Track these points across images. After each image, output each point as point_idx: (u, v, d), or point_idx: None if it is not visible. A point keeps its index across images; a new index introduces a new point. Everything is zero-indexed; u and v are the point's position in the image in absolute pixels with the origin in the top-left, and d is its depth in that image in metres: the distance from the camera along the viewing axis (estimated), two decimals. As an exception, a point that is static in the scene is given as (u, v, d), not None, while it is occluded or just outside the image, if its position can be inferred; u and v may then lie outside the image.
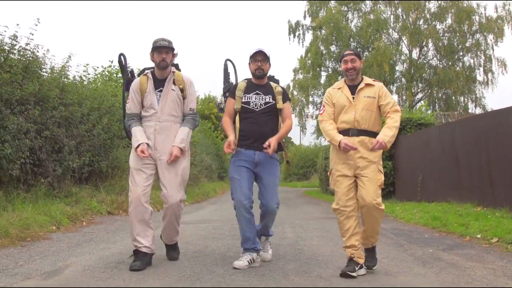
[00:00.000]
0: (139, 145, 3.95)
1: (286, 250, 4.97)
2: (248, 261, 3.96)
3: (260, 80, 4.27)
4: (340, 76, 21.59)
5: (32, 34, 7.12)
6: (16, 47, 7.15)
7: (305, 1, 26.22)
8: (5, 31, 7.02)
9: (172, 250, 4.36)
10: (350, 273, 3.66)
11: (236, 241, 5.46)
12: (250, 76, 4.35)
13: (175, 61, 4.30)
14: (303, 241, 5.69)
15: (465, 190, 8.92)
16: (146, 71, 4.23)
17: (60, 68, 8.49)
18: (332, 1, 25.79)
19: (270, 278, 3.61)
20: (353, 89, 4.02)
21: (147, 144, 3.99)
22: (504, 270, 4.05)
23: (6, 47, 6.91)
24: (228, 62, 4.71)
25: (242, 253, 4.10)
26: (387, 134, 3.84)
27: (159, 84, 4.12)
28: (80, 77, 9.99)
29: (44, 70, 7.88)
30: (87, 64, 11.06)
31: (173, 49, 4.14)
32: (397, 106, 4.03)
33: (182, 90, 4.14)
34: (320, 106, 4.21)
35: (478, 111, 23.69)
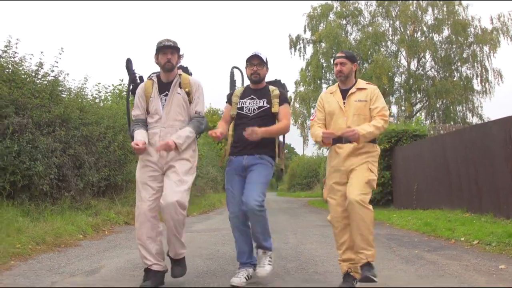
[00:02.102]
0: (133, 142, 3.74)
1: (288, 252, 5.65)
2: (245, 277, 3.80)
3: (257, 84, 4.11)
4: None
5: (57, 62, 7.91)
6: (41, 73, 7.92)
7: (305, 15, 26.99)
8: (30, 58, 7.80)
9: (176, 265, 3.92)
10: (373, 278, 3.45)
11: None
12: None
13: (184, 63, 4.13)
14: (303, 245, 6.37)
15: (455, 198, 9.58)
16: (151, 75, 4.03)
17: (78, 90, 9.29)
18: (331, 15, 26.56)
19: (274, 274, 4.28)
20: (344, 93, 3.86)
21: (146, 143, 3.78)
22: (475, 266, 4.71)
23: (32, 74, 7.67)
24: (235, 70, 4.49)
25: (238, 268, 3.94)
26: (365, 128, 3.62)
27: (164, 87, 3.89)
28: (93, 96, 10.72)
29: (64, 93, 8.64)
30: (99, 83, 11.82)
31: (178, 50, 3.91)
32: (385, 112, 3.77)
33: (188, 94, 3.91)
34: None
35: (475, 120, 24.32)
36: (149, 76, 4.06)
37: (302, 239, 7.08)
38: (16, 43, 7.42)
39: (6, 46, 7.38)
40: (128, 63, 4.09)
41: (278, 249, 5.78)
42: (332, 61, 3.86)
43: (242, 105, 4.05)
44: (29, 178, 6.59)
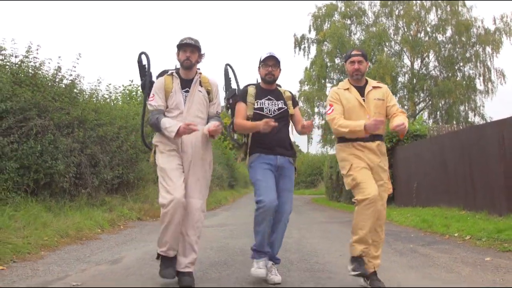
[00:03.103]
0: (179, 126, 3.63)
1: (291, 245, 6.10)
2: (265, 267, 3.86)
3: (270, 85, 4.16)
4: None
5: (74, 67, 8.37)
6: (59, 76, 8.39)
7: (310, 15, 27.37)
8: (49, 63, 8.26)
9: (186, 275, 3.75)
10: (363, 273, 3.62)
11: (250, 239, 6.58)
12: (249, 81, 4.33)
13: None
14: (306, 239, 6.82)
15: (453, 196, 9.99)
16: (171, 71, 4.01)
17: (92, 92, 9.79)
18: (336, 15, 26.93)
19: (279, 265, 4.73)
20: (360, 90, 3.89)
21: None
22: (463, 258, 5.14)
23: (52, 78, 8.14)
24: (228, 67, 4.43)
25: (256, 258, 3.88)
26: (405, 120, 3.69)
27: (185, 84, 3.91)
28: (104, 97, 11.17)
29: (80, 95, 9.11)
30: (110, 84, 12.30)
31: (199, 49, 3.94)
32: (402, 109, 3.95)
33: (208, 93, 3.97)
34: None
35: (477, 120, 24.69)
36: (163, 72, 4.05)
37: (305, 234, 7.53)
38: (37, 49, 7.89)
39: (27, 52, 7.84)
40: (141, 58, 4.09)
41: (282, 243, 6.22)
42: (344, 58, 4.14)
43: (261, 105, 4.05)
44: (50, 176, 7.04)
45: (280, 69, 4.15)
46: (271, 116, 3.99)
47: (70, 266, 4.44)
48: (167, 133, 3.69)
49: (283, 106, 4.09)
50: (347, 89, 3.92)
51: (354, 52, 3.94)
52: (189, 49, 3.88)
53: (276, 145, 3.98)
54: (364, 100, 3.83)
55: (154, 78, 4.11)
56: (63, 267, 4.40)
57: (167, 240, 3.71)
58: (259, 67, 4.16)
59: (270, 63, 4.07)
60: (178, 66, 4.03)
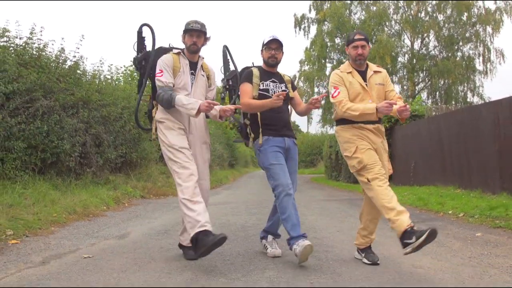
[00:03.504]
0: (200, 104, 3.61)
1: (291, 222, 6.33)
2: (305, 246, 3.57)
3: (272, 68, 4.19)
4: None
5: (78, 49, 8.51)
6: (62, 57, 8.53)
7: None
8: (52, 44, 8.39)
9: (191, 249, 3.73)
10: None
11: (251, 216, 6.85)
12: (245, 63, 4.52)
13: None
14: (305, 216, 7.05)
15: (449, 175, 10.22)
16: (177, 50, 4.02)
17: (94, 73, 9.94)
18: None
19: (278, 239, 4.95)
20: (362, 74, 3.87)
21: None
22: (455, 234, 5.37)
23: (56, 59, 8.29)
24: (225, 49, 4.48)
25: (295, 242, 3.66)
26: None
27: (191, 66, 3.97)
28: (106, 77, 11.30)
29: (83, 76, 9.26)
30: (111, 65, 12.44)
31: (205, 33, 3.97)
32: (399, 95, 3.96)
33: (208, 78, 4.07)
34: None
35: (476, 100, 24.82)
36: (162, 49, 4.03)
37: (304, 211, 7.77)
38: (41, 31, 8.01)
39: (31, 33, 7.96)
40: (142, 29, 4.03)
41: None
42: (346, 42, 3.96)
43: (267, 87, 4.07)
44: (56, 155, 7.25)
45: (283, 52, 4.17)
46: None
47: (80, 241, 4.67)
48: (184, 110, 3.65)
49: (286, 89, 4.14)
50: (350, 72, 3.87)
51: (357, 37, 3.86)
52: (196, 34, 3.89)
53: (283, 126, 4.05)
54: (366, 85, 3.82)
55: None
56: (74, 241, 4.63)
57: (199, 213, 3.52)
58: (262, 50, 4.17)
59: (273, 46, 4.09)
60: (177, 46, 4.09)
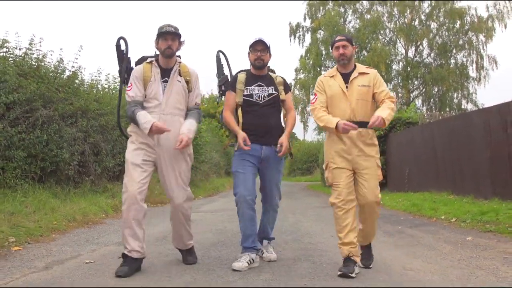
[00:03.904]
0: (153, 123, 3.56)
1: (286, 228, 6.47)
2: (247, 262, 3.76)
3: (260, 70, 4.09)
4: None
5: (76, 59, 8.67)
6: (61, 68, 8.67)
7: (305, 0, 27.50)
8: (51, 55, 8.53)
9: (189, 255, 4.09)
10: (350, 274, 3.48)
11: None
12: (243, 67, 4.26)
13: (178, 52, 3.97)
14: (301, 222, 7.19)
15: (442, 181, 10.38)
16: (150, 59, 3.89)
17: (92, 82, 10.09)
18: (330, 3, 27.05)
19: (274, 244, 5.07)
20: (346, 77, 3.81)
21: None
22: (446, 238, 5.52)
23: (55, 69, 8.43)
24: (220, 54, 4.41)
25: (241, 252, 3.91)
26: (386, 112, 3.60)
27: (163, 73, 3.81)
28: (103, 86, 11.41)
29: (81, 86, 9.40)
30: (108, 74, 12.51)
31: (179, 36, 3.84)
32: (392, 94, 3.85)
33: (188, 82, 3.87)
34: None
35: (470, 107, 25.07)
36: (141, 59, 3.97)
37: (300, 218, 7.91)
38: (40, 42, 8.16)
39: (30, 44, 8.10)
40: (120, 43, 3.89)
41: (278, 226, 6.58)
42: (330, 45, 4.04)
43: (251, 92, 4.00)
44: (56, 164, 7.37)
45: (270, 54, 4.09)
46: (261, 102, 3.99)
47: (81, 247, 4.80)
48: (142, 129, 3.61)
49: (274, 92, 4.04)
50: (333, 76, 3.87)
51: (338, 38, 3.88)
52: (170, 37, 3.77)
53: (264, 133, 3.95)
54: (347, 87, 3.77)
55: (133, 65, 4.01)
56: (75, 247, 4.75)
57: (125, 237, 3.65)
58: (248, 53, 4.11)
59: (259, 48, 4.02)
60: (158, 53, 3.93)
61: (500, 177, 7.92)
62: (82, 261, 4.07)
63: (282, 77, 4.19)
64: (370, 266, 3.86)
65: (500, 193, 7.76)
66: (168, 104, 3.75)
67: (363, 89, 3.77)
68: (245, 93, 4.01)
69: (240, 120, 4.01)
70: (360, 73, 3.82)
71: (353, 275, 3.49)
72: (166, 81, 3.79)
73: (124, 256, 3.63)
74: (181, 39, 3.87)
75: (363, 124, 3.67)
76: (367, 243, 3.95)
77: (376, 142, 3.86)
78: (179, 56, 3.97)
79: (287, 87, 4.17)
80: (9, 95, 6.80)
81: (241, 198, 3.81)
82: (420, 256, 4.39)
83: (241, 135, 3.84)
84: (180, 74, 3.86)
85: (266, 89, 4.04)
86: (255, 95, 4.00)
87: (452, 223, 6.88)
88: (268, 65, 4.20)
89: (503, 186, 7.77)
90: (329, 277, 3.53)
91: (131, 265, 3.58)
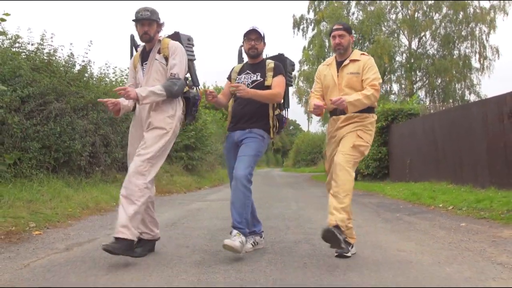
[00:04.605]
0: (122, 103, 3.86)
1: (290, 215, 6.78)
2: (251, 244, 4.06)
3: (254, 59, 4.16)
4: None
5: (87, 54, 8.97)
6: (72, 62, 8.98)
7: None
8: (62, 49, 8.85)
9: (115, 243, 3.50)
10: (345, 254, 3.69)
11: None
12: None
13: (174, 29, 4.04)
14: (303, 210, 7.50)
15: (442, 171, 10.66)
16: (141, 45, 3.98)
17: (101, 76, 10.41)
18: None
19: (277, 229, 5.39)
20: (339, 65, 3.89)
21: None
22: (441, 224, 5.80)
23: (66, 64, 8.74)
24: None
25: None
26: (352, 96, 3.67)
27: (145, 57, 3.89)
28: (111, 80, 11.73)
29: (91, 79, 9.72)
30: (116, 67, 12.90)
31: (157, 21, 3.81)
32: (376, 82, 3.77)
33: (166, 58, 3.80)
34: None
35: (473, 98, 25.21)
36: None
37: (303, 206, 8.22)
38: (51, 37, 8.48)
39: (41, 39, 8.41)
40: (132, 40, 4.06)
41: (281, 213, 6.93)
42: (329, 34, 4.13)
43: (238, 80, 4.10)
44: (68, 155, 7.72)
45: (264, 43, 4.14)
46: None
47: (96, 232, 5.12)
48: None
49: (258, 79, 4.04)
50: (329, 64, 3.96)
51: (335, 27, 3.93)
52: (147, 23, 3.77)
53: (240, 119, 4.04)
54: (338, 75, 3.83)
55: None
56: (90, 232, 5.08)
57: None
58: (243, 42, 4.18)
59: (253, 37, 4.07)
60: None
61: (496, 167, 8.19)
62: (99, 243, 4.38)
63: (276, 63, 4.11)
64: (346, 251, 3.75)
65: (497, 182, 8.04)
66: (148, 84, 3.75)
67: (351, 77, 3.81)
68: (236, 81, 4.10)
69: (229, 109, 4.19)
70: (352, 60, 3.85)
71: (349, 254, 3.72)
72: (145, 64, 3.87)
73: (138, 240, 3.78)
74: (160, 22, 3.85)
75: (343, 113, 3.80)
76: (333, 224, 3.66)
77: (365, 119, 3.85)
78: (178, 34, 4.01)
79: (277, 72, 4.05)
80: (24, 89, 7.12)
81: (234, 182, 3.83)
82: (414, 240, 4.68)
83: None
84: (159, 52, 3.83)
85: (252, 76, 4.08)
86: (240, 83, 4.02)
87: (449, 210, 7.16)
88: (281, 53, 4.30)
89: (499, 175, 8.05)
90: (326, 257, 3.84)
91: (144, 246, 3.87)
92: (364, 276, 3.21)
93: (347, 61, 3.85)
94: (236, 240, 3.61)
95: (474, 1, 25.04)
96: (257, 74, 4.06)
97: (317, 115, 3.84)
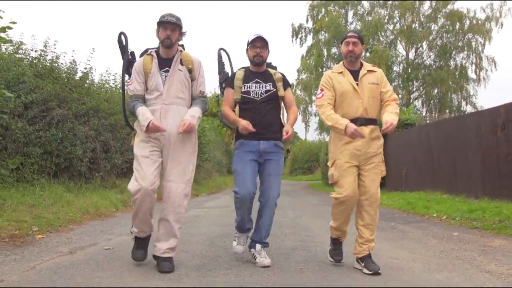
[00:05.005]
0: (150, 121, 3.49)
1: (287, 223, 6.91)
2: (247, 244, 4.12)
3: (259, 67, 4.07)
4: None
5: (89, 61, 9.13)
6: (74, 69, 9.13)
7: (307, 1, 27.88)
8: (64, 56, 8.99)
9: (165, 261, 3.64)
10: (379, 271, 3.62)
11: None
12: (245, 64, 4.21)
13: (181, 41, 3.91)
14: (300, 218, 7.64)
15: (438, 181, 10.81)
16: (150, 50, 3.83)
17: (102, 82, 10.56)
18: (331, 3, 27.38)
19: (274, 236, 5.51)
20: (354, 74, 3.81)
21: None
22: (434, 233, 5.95)
23: (68, 70, 8.89)
24: (222, 52, 4.38)
25: (237, 235, 4.20)
26: (394, 117, 3.60)
27: (164, 63, 3.74)
28: (111, 86, 11.83)
29: (92, 86, 9.86)
30: (116, 74, 12.96)
31: (180, 27, 3.76)
32: (395, 95, 3.85)
33: (190, 71, 3.77)
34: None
35: (469, 108, 25.45)
36: (145, 52, 3.90)
37: (300, 214, 8.36)
38: (54, 44, 8.62)
39: (44, 46, 8.56)
40: (121, 38, 3.93)
41: (278, 221, 7.04)
42: (341, 40, 3.94)
43: (248, 89, 3.98)
44: (69, 160, 7.83)
45: (268, 51, 4.06)
46: (258, 99, 3.95)
47: (98, 236, 5.25)
48: (140, 126, 3.60)
49: (272, 89, 4.00)
50: (341, 72, 3.85)
51: (349, 34, 3.88)
52: (170, 27, 3.69)
53: (262, 129, 3.88)
54: (358, 84, 3.76)
55: (138, 58, 3.97)
56: (92, 236, 5.21)
57: (137, 225, 3.81)
58: (247, 49, 4.08)
59: (258, 45, 3.99)
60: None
61: (489, 177, 8.35)
62: (101, 247, 4.52)
63: (281, 73, 4.13)
64: (380, 272, 3.64)
65: (489, 193, 8.19)
66: (170, 93, 3.67)
67: (373, 87, 3.79)
68: (243, 90, 4.00)
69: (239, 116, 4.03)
70: (368, 71, 3.85)
71: (380, 271, 3.61)
72: (167, 71, 3.72)
73: (137, 239, 3.89)
74: (182, 30, 3.80)
75: (374, 122, 3.77)
76: (367, 252, 3.77)
77: (381, 137, 3.89)
78: (182, 46, 3.93)
79: (286, 83, 4.10)
80: (27, 95, 7.26)
81: (239, 196, 3.84)
82: (407, 248, 4.83)
83: (243, 121, 3.81)
84: (181, 63, 3.77)
85: (264, 85, 4.00)
86: (252, 92, 3.98)
87: (442, 220, 7.32)
88: (270, 61, 4.24)
89: (492, 186, 8.20)
90: (322, 263, 3.98)
91: (145, 248, 3.88)
92: (357, 280, 3.35)
93: (364, 71, 3.84)
94: (266, 256, 3.92)
95: (470, 13, 25.32)
96: (268, 83, 4.01)
97: (353, 138, 3.66)
